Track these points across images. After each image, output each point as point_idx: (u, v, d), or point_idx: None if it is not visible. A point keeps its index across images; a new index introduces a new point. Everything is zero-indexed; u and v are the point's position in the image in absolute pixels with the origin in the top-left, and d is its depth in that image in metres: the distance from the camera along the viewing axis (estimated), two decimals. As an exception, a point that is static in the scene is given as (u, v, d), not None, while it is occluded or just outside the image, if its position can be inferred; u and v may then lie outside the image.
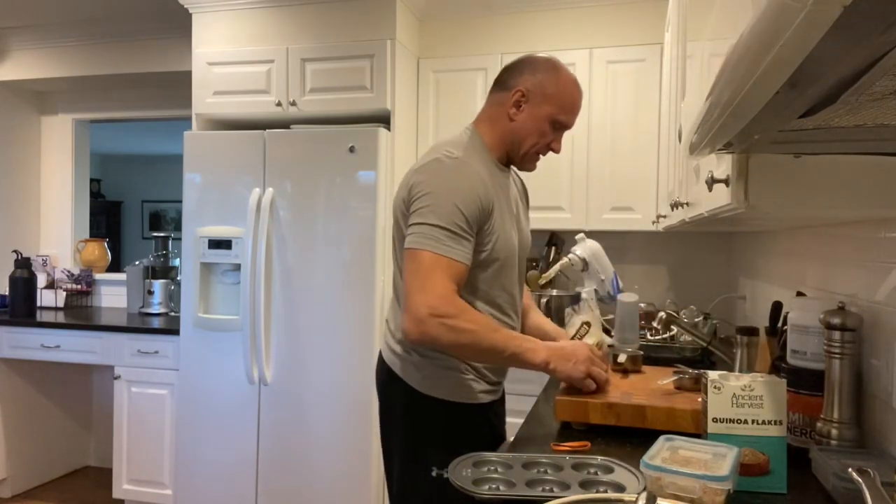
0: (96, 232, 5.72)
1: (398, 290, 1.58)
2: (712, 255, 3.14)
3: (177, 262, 3.70)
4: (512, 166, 1.68)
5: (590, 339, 1.66)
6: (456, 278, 1.42)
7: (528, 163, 1.64)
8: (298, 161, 2.82)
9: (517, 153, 1.61)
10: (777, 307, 1.73)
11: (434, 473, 1.50)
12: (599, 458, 1.18)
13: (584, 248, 2.72)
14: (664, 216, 2.39)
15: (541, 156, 1.64)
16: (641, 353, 1.93)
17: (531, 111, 1.55)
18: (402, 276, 1.49)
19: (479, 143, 1.59)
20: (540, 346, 1.47)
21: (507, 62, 3.10)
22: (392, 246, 1.62)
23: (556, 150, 1.63)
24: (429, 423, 1.54)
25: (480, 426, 1.60)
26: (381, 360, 1.65)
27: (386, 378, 1.60)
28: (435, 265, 1.39)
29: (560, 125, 1.58)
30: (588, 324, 1.67)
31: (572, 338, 1.68)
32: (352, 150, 2.75)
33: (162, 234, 3.85)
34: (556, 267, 2.58)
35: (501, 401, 1.71)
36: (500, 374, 1.65)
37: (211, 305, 2.99)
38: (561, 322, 1.88)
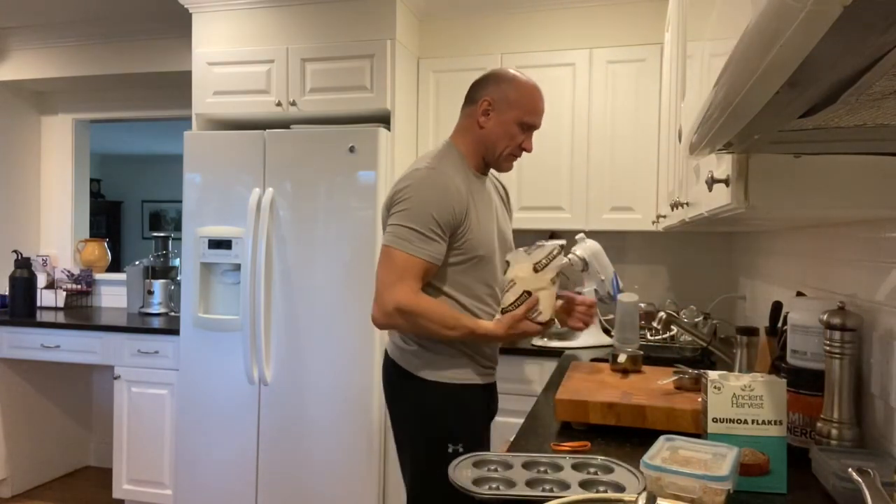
0: (96, 232, 5.72)
1: None
2: (712, 255, 3.14)
3: (177, 262, 3.70)
4: (492, 172, 1.87)
5: (511, 297, 1.67)
6: (422, 276, 1.64)
7: (504, 163, 1.80)
8: (298, 161, 2.82)
9: (492, 157, 1.78)
10: (777, 307, 1.73)
11: (450, 449, 1.66)
12: (599, 458, 1.18)
13: (584, 248, 2.73)
14: (664, 216, 2.39)
15: (515, 157, 1.80)
16: (641, 353, 1.94)
17: (498, 118, 1.73)
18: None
19: (456, 153, 1.77)
20: (487, 338, 1.70)
21: (507, 62, 3.11)
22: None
23: (528, 150, 1.80)
24: (436, 404, 1.71)
25: (480, 404, 1.78)
26: (385, 356, 1.83)
27: (391, 370, 1.78)
28: (406, 264, 1.61)
29: (528, 126, 1.76)
30: (513, 281, 1.68)
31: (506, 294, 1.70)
32: (352, 150, 2.75)
33: (162, 234, 3.85)
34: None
35: (494, 382, 1.89)
36: (492, 359, 1.83)
37: (211, 305, 2.99)
38: None
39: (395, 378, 1.76)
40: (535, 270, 1.65)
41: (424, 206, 1.62)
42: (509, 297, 1.67)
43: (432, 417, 1.70)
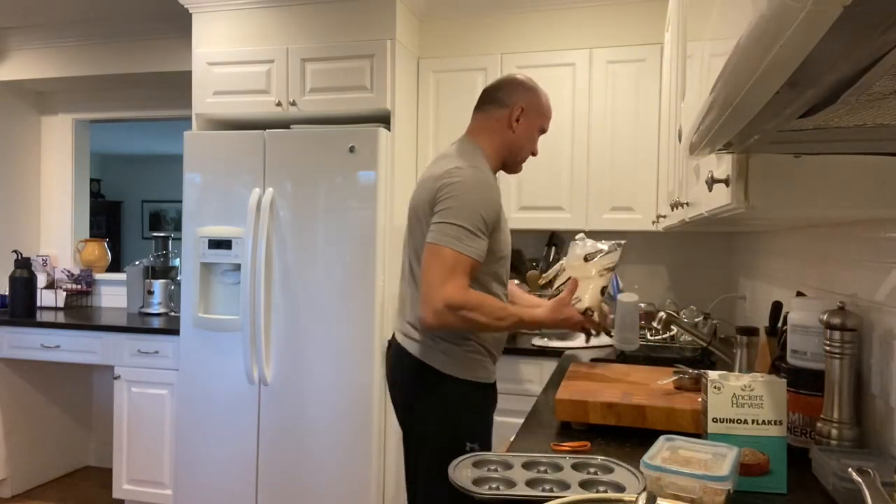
0: (96, 232, 5.72)
1: (418, 280, 1.73)
2: (712, 255, 3.14)
3: (177, 262, 3.70)
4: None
5: (557, 282, 1.76)
6: (470, 273, 1.64)
7: (520, 165, 1.93)
8: (298, 161, 2.82)
9: (514, 160, 1.88)
10: (777, 307, 1.73)
11: (468, 447, 1.68)
12: (599, 458, 1.18)
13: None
14: (664, 216, 2.39)
15: (525, 160, 1.93)
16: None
17: (527, 123, 1.84)
18: (419, 266, 1.70)
19: (482, 154, 1.81)
20: (535, 324, 1.77)
21: (507, 62, 3.10)
22: (406, 244, 1.82)
23: (535, 154, 1.93)
24: (459, 403, 1.73)
25: (493, 401, 1.85)
26: (400, 351, 1.79)
27: (415, 369, 1.75)
28: (455, 262, 1.60)
29: (543, 132, 1.91)
30: (563, 268, 1.74)
31: (552, 286, 1.76)
32: (352, 150, 2.75)
33: (162, 234, 3.84)
34: (556, 267, 2.59)
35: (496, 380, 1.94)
36: (499, 355, 1.88)
37: (211, 305, 2.99)
38: None
39: (420, 376, 1.74)
40: (585, 260, 1.68)
41: (473, 205, 1.63)
42: (556, 282, 1.72)
43: (456, 415, 1.72)
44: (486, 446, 1.67)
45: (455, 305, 1.59)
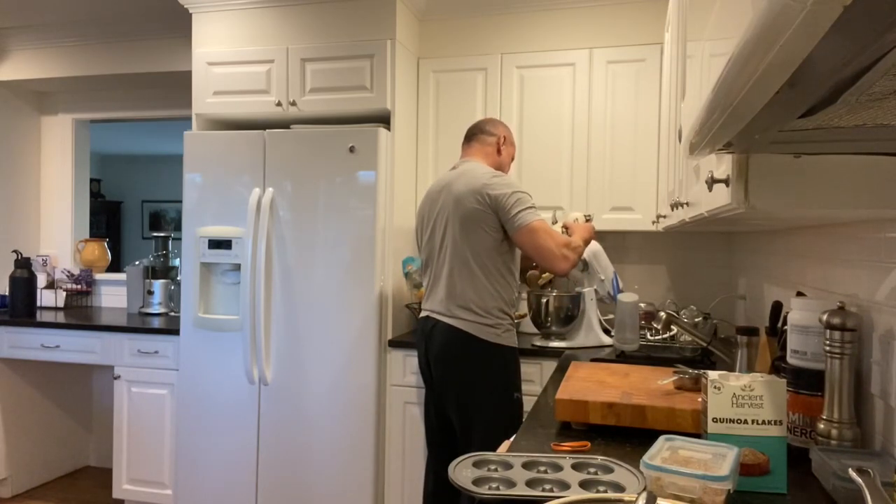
0: (96, 232, 5.72)
1: (483, 269, 2.23)
2: (712, 255, 3.14)
3: (177, 262, 3.70)
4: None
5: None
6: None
7: None
8: (298, 161, 2.82)
9: None
10: (777, 307, 1.73)
11: (515, 396, 2.27)
12: (599, 458, 1.18)
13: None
14: (664, 216, 2.39)
15: None
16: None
17: (507, 150, 2.48)
18: (485, 259, 2.24)
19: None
20: (584, 243, 2.41)
21: (507, 62, 3.12)
22: (458, 244, 2.24)
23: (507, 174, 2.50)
24: (507, 363, 2.27)
25: (520, 362, 2.36)
26: (452, 329, 2.23)
27: (468, 341, 2.22)
28: (545, 225, 2.24)
29: (513, 159, 2.56)
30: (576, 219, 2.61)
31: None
32: (352, 150, 2.75)
33: (162, 234, 3.84)
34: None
35: None
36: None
37: (211, 305, 2.99)
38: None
39: (474, 346, 2.22)
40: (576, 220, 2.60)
41: (525, 193, 2.25)
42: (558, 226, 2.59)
43: (511, 373, 2.27)
44: (520, 394, 2.29)
45: (568, 245, 2.25)
